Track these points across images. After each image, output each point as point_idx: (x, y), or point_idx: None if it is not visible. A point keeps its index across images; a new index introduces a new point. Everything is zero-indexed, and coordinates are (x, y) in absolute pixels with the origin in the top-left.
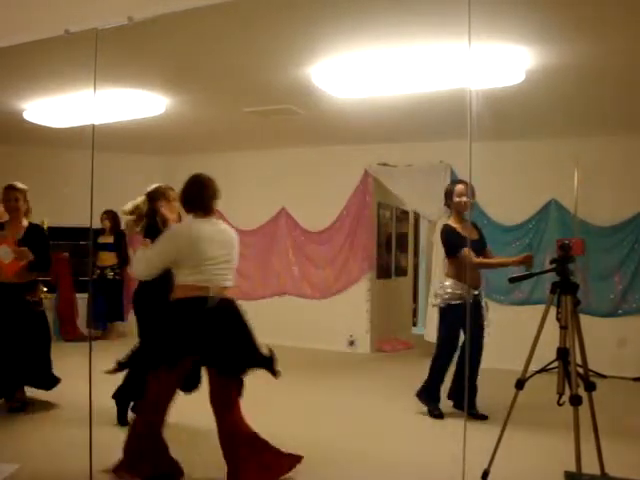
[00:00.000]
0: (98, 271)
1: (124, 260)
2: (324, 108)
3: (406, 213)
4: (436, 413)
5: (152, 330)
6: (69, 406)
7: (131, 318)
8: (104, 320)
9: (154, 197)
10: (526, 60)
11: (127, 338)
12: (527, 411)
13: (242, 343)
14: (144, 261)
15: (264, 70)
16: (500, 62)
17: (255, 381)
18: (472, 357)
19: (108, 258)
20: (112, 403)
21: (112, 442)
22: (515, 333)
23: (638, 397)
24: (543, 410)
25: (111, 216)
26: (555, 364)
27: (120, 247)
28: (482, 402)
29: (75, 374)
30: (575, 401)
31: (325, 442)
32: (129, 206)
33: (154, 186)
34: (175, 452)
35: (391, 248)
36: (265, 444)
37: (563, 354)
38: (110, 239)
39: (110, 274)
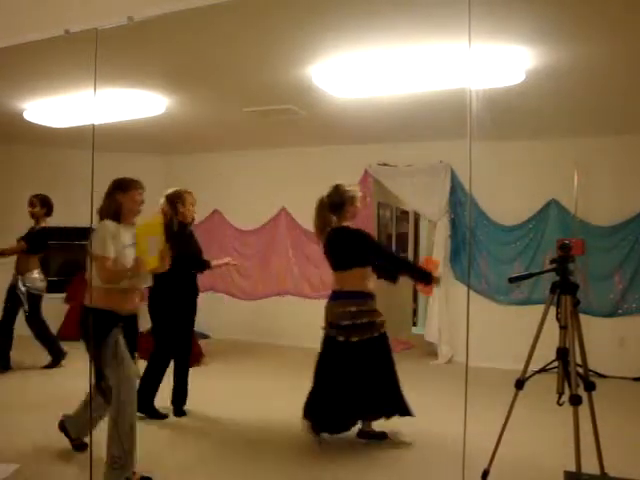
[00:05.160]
0: None
1: None
2: (324, 108)
3: (406, 213)
4: None
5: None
6: (69, 405)
7: None
8: None
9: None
10: (526, 60)
11: None
12: (527, 411)
13: None
14: None
15: (264, 70)
16: (500, 62)
17: (255, 381)
18: None
19: None
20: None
21: None
22: (515, 333)
23: (638, 397)
24: (543, 410)
25: None
26: (555, 364)
27: None
28: (482, 402)
29: (74, 374)
30: (575, 401)
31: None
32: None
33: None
34: None
35: (391, 248)
36: None
37: (563, 354)
38: None
39: None
